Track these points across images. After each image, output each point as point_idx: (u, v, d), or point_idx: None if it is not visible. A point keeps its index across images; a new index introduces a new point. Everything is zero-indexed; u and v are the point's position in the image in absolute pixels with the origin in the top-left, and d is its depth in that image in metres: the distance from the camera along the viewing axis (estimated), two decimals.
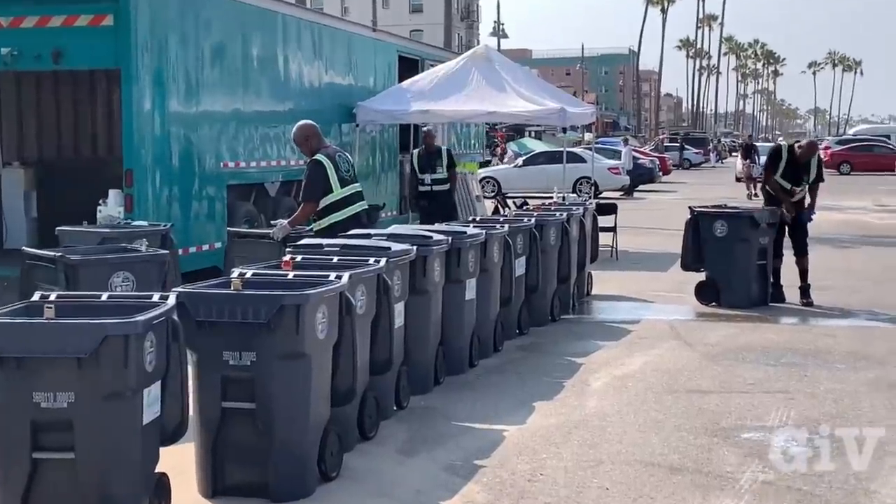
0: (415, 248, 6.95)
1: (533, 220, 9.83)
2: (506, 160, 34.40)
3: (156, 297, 4.87)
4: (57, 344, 4.28)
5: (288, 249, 6.80)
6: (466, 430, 6.55)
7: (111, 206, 10.95)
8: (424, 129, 14.44)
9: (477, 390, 7.56)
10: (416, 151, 14.19)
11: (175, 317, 4.80)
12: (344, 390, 5.63)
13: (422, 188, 13.73)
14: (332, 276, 5.55)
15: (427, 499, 5.35)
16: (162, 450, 4.87)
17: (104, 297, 4.91)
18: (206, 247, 11.51)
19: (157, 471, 4.78)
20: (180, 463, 5.31)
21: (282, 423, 5.17)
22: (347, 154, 8.51)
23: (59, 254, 6.66)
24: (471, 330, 8.11)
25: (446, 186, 13.78)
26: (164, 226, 9.10)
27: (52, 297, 4.88)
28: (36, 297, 4.88)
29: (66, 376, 4.30)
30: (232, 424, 5.23)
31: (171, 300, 4.82)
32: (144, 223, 9.63)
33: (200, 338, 5.15)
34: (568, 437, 6.41)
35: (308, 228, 8.32)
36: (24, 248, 7.21)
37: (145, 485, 4.62)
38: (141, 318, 4.41)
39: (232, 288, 5.21)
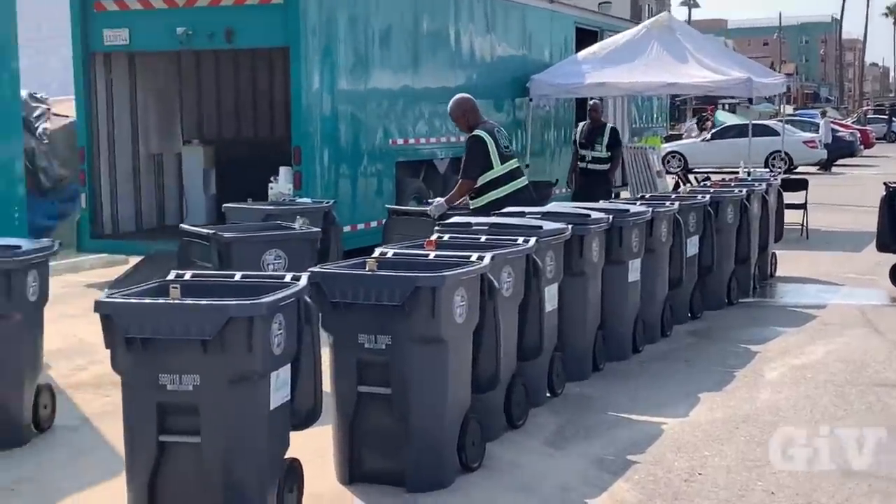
0: (570, 227, 6.59)
1: (708, 196, 9.27)
2: (694, 134, 33.26)
3: (288, 277, 4.71)
4: (181, 325, 4.17)
5: (436, 228, 6.56)
6: (622, 421, 6.16)
7: (281, 183, 11.02)
8: (591, 102, 13.81)
9: (638, 378, 7.15)
10: (581, 125, 13.58)
11: (307, 298, 4.63)
12: (486, 377, 5.35)
13: (580, 164, 13.05)
14: (474, 256, 5.27)
15: (572, 496, 5.02)
16: (305, 434, 4.73)
17: (237, 276, 4.79)
18: (374, 223, 11.44)
19: (288, 456, 4.63)
20: (322, 447, 5.18)
21: (418, 409, 4.95)
22: (504, 129, 8.20)
23: (213, 232, 6.64)
24: (634, 313, 7.69)
25: (604, 167, 12.91)
26: (327, 203, 9.04)
27: (187, 276, 4.80)
28: (171, 275, 4.81)
29: (191, 359, 4.19)
30: (368, 409, 5.04)
31: (303, 281, 4.65)
32: (308, 200, 9.62)
33: (335, 319, 4.98)
34: (734, 432, 5.93)
35: (465, 206, 8.08)
36: (181, 225, 7.27)
37: (273, 471, 4.48)
38: (266, 299, 4.25)
39: (367, 268, 5.00)
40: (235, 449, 4.29)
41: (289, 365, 4.54)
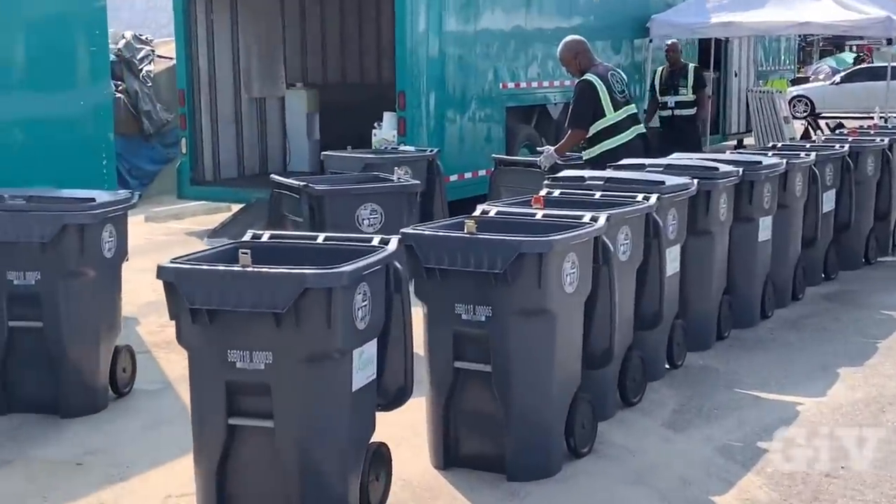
0: (695, 181, 5.91)
1: (847, 146, 8.42)
2: (822, 77, 31.59)
3: (376, 240, 4.18)
4: (250, 296, 3.68)
5: (545, 182, 5.95)
6: (750, 400, 5.51)
7: (385, 130, 10.54)
8: (668, 42, 12.72)
9: (768, 349, 6.45)
10: (658, 69, 12.58)
11: (397, 263, 4.11)
12: (600, 351, 4.77)
13: (662, 113, 12.07)
14: (587, 217, 4.66)
15: (695, 492, 4.41)
16: (398, 411, 4.25)
17: (320, 238, 4.29)
18: (482, 172, 10.84)
19: (375, 440, 4.15)
20: (416, 426, 4.69)
21: (520, 388, 4.40)
22: (621, 72, 7.50)
23: (304, 184, 6.16)
24: (764, 275, 6.97)
25: (691, 111, 11.97)
26: (431, 151, 8.50)
27: (265, 237, 4.31)
28: (247, 236, 4.33)
29: (263, 334, 3.71)
30: (466, 388, 4.51)
31: (393, 244, 4.12)
32: (411, 148, 9.10)
33: (430, 287, 4.45)
34: (879, 417, 5.24)
35: (578, 156, 7.44)
36: (272, 175, 6.80)
37: (356, 457, 3.99)
38: (348, 268, 3.73)
39: (465, 230, 4.44)
40: (313, 434, 3.81)
41: (375, 340, 4.03)
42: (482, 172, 10.72)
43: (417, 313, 4.33)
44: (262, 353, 3.73)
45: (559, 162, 7.31)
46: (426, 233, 4.49)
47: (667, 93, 12.07)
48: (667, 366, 5.90)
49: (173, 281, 3.76)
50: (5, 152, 6.76)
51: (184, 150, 11.21)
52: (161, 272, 3.76)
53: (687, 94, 11.97)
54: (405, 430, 4.75)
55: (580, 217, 4.67)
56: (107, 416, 5.33)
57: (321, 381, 3.79)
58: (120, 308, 5.61)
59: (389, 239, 4.18)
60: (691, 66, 12.40)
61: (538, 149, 8.78)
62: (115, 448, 4.90)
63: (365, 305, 3.88)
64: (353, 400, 3.91)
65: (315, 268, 3.70)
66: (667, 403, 5.43)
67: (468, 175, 10.70)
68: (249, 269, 3.72)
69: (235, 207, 11.43)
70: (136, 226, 11.53)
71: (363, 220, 6.17)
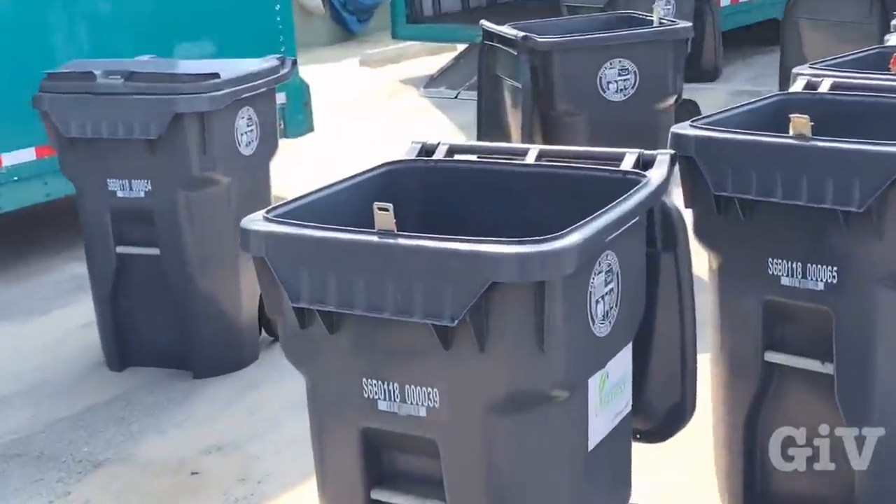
0: None
1: None
2: None
3: (628, 159, 2.33)
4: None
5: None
6: None
7: None
8: None
9: None
10: None
11: (668, 203, 2.29)
12: None
13: None
14: None
15: None
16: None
17: (531, 155, 2.46)
18: None
19: None
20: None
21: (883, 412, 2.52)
22: None
23: (522, 35, 4.29)
24: None
25: None
26: None
27: (439, 151, 2.53)
28: (408, 150, 2.57)
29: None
30: (784, 396, 2.67)
31: (661, 168, 2.28)
32: None
33: (725, 231, 2.58)
34: None
35: None
36: (482, 21, 4.93)
37: None
38: (573, 239, 1.92)
39: (792, 130, 2.49)
40: None
41: (628, 346, 2.26)
42: None
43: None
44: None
45: None
46: (718, 134, 2.57)
47: None
48: None
49: None
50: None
51: None
52: None
53: None
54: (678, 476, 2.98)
55: None
56: (257, 374, 3.85)
57: (538, 447, 2.07)
58: None
59: (653, 157, 2.33)
60: None
61: None
62: (261, 435, 3.40)
63: (610, 291, 2.10)
64: (591, 454, 2.17)
65: (513, 247, 1.90)
66: None
67: None
68: (408, 242, 1.97)
69: (461, 47, 9.66)
70: (351, 71, 10.16)
71: (608, 84, 4.29)
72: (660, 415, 2.47)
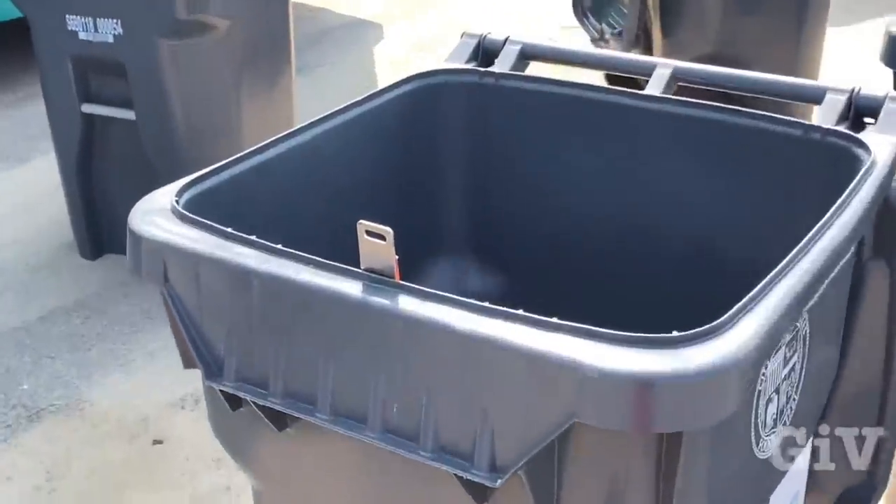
0: None
1: None
2: None
3: (830, 107, 1.33)
4: None
5: None
6: None
7: None
8: None
9: None
10: None
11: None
12: None
13: None
14: None
15: None
16: None
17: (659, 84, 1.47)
18: None
19: None
20: None
21: None
22: None
23: None
24: None
25: None
26: None
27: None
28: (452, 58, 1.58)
29: None
30: None
31: (887, 138, 1.28)
32: None
33: None
34: None
35: None
36: None
37: None
38: (745, 339, 0.96)
39: None
40: None
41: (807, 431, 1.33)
42: None
43: None
44: None
45: None
46: None
47: None
48: None
49: None
50: None
51: None
52: None
53: None
54: None
55: None
56: None
57: None
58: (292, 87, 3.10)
59: (875, 99, 1.32)
60: None
61: None
62: None
63: (790, 373, 1.15)
64: None
65: (621, 351, 0.94)
66: None
67: None
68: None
69: None
70: None
71: None
72: (834, 490, 1.57)
